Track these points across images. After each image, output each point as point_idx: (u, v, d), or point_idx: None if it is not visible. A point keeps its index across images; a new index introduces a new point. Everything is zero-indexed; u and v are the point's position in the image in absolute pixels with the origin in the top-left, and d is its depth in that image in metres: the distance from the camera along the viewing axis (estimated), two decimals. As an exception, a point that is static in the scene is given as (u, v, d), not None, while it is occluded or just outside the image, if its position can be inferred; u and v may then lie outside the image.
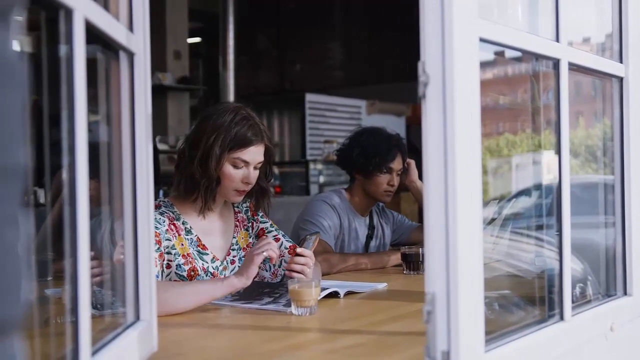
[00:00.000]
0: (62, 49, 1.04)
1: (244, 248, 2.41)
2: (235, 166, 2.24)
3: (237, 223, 2.43)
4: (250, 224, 2.47)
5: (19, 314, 0.61)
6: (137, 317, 1.41)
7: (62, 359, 1.05)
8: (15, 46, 0.62)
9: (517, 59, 1.76)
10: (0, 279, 0.59)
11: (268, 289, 2.20)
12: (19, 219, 0.61)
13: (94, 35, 1.14)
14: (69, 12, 1.02)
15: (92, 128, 1.13)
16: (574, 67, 1.64)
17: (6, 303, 0.60)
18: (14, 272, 0.60)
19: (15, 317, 0.60)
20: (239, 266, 2.34)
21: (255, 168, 2.28)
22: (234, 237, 2.40)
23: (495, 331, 1.37)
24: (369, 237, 3.21)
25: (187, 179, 2.26)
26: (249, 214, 2.47)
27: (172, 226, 2.22)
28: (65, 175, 1.05)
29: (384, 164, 3.06)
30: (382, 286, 2.43)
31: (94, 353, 1.12)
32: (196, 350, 1.67)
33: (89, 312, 1.06)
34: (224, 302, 2.08)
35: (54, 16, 1.03)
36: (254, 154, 2.26)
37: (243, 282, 2.02)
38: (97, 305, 1.38)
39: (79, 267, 1.04)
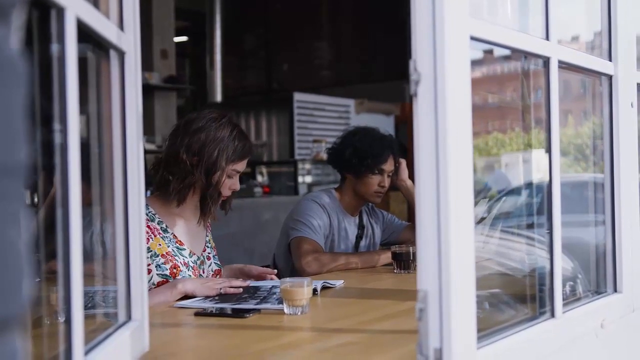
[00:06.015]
0: (54, 48, 1.04)
1: (213, 247, 2.57)
2: (229, 176, 2.39)
3: (208, 224, 2.57)
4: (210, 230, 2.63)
5: (21, 311, 0.61)
6: (129, 317, 1.41)
7: (55, 358, 1.04)
8: (16, 45, 0.62)
9: (506, 57, 1.77)
10: (3, 276, 0.59)
11: (247, 294, 2.18)
12: (21, 217, 0.62)
13: (84, 33, 1.14)
14: (60, 11, 1.02)
15: (81, 128, 1.12)
16: (564, 65, 1.65)
17: (9, 300, 0.60)
18: (16, 269, 0.60)
19: (17, 314, 0.61)
20: (214, 262, 2.52)
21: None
22: (207, 236, 2.55)
23: (487, 328, 1.38)
24: (359, 237, 3.21)
25: (187, 187, 2.35)
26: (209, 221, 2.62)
27: (147, 228, 2.26)
28: (55, 175, 1.05)
29: (376, 165, 3.06)
30: (339, 283, 2.44)
31: (87, 353, 1.12)
32: (188, 350, 1.67)
33: (81, 312, 1.05)
34: (211, 304, 2.07)
35: (44, 14, 1.02)
36: (245, 164, 2.45)
37: (187, 287, 2.17)
38: (87, 304, 1.38)
39: (72, 267, 1.03)
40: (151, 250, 2.28)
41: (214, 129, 2.34)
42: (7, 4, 0.59)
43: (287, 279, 2.01)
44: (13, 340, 0.60)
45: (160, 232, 2.35)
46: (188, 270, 2.35)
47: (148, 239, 2.27)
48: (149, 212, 2.35)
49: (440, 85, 1.20)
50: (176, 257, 2.33)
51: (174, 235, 2.38)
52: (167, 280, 2.27)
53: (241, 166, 2.41)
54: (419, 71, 1.21)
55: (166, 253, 2.31)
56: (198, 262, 2.43)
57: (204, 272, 2.44)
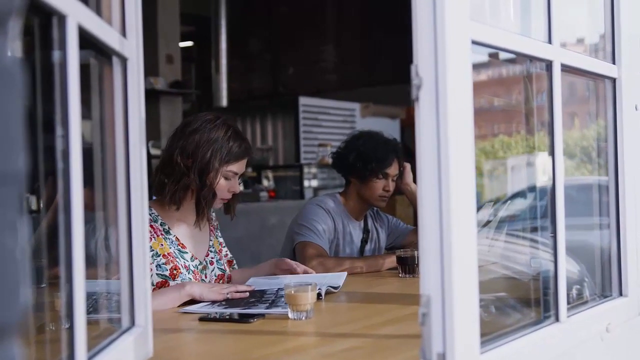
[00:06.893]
0: (56, 55, 1.04)
1: (218, 251, 2.55)
2: (226, 178, 2.39)
3: (211, 228, 2.57)
4: (217, 232, 2.62)
5: (18, 318, 0.62)
6: (133, 323, 1.41)
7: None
8: (13, 52, 0.62)
9: (511, 61, 1.77)
10: (0, 283, 0.59)
11: (254, 298, 2.18)
12: (18, 225, 0.62)
13: (86, 40, 1.14)
14: (62, 18, 1.02)
15: (84, 134, 1.13)
16: (567, 69, 1.64)
17: (6, 307, 0.60)
18: (13, 277, 0.61)
19: (14, 322, 0.61)
20: (217, 267, 2.50)
21: (239, 178, 2.45)
22: (210, 240, 2.54)
23: (491, 333, 1.37)
24: (364, 241, 3.21)
25: (182, 189, 2.35)
26: (216, 223, 2.62)
27: (150, 227, 2.27)
28: (59, 181, 1.05)
29: (380, 169, 3.06)
30: (342, 279, 2.46)
31: (90, 358, 1.12)
32: (192, 356, 1.67)
33: (84, 318, 1.05)
34: (219, 309, 2.07)
35: (46, 21, 1.03)
36: (243, 165, 2.43)
37: (194, 290, 2.16)
38: (89, 309, 1.38)
39: (74, 273, 1.03)
40: (153, 250, 2.29)
41: (207, 130, 2.35)
42: (3, 13, 0.60)
43: (291, 284, 2.01)
44: (11, 347, 0.60)
45: (163, 233, 2.35)
46: (188, 273, 2.35)
47: (150, 238, 2.27)
48: (152, 213, 2.35)
49: (441, 90, 1.19)
50: (177, 259, 2.34)
51: (177, 238, 2.38)
52: (166, 281, 2.28)
53: (237, 167, 2.40)
54: (421, 76, 1.21)
55: (167, 254, 2.32)
56: (200, 266, 2.43)
57: (206, 277, 2.44)
